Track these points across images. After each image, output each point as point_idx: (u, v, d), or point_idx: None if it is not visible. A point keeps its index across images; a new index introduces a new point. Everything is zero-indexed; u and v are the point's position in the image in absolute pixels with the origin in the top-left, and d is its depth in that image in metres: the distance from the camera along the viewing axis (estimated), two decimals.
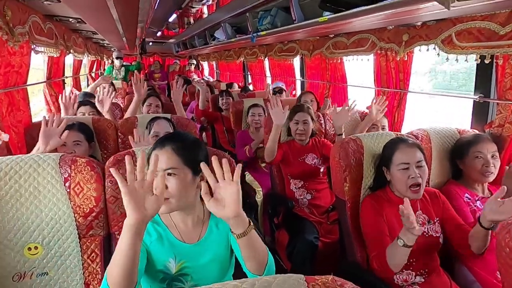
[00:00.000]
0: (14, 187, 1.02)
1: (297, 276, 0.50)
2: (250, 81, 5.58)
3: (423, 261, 1.26)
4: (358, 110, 2.33)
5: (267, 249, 0.89)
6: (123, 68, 6.00)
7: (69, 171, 1.07)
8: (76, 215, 1.07)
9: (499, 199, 1.09)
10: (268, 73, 4.73)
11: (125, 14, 2.44)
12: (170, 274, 0.97)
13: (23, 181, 1.03)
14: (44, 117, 1.44)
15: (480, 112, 1.75)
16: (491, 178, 1.42)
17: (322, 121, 2.28)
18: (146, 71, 8.17)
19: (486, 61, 1.53)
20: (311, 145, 2.06)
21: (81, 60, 4.05)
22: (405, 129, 2.27)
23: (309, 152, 2.04)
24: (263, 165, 2.58)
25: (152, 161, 0.79)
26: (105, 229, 1.13)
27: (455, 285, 1.30)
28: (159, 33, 8.21)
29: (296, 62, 3.77)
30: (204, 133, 4.19)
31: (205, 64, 9.05)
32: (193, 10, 6.02)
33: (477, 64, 1.68)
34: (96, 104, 2.17)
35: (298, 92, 3.74)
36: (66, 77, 3.37)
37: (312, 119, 2.04)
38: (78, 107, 2.18)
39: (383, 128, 2.08)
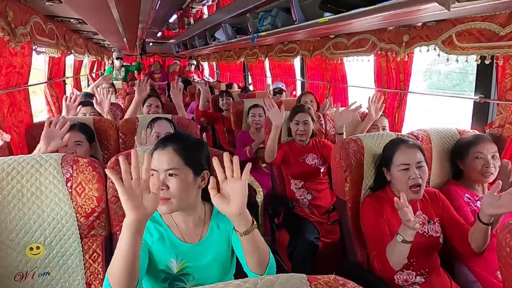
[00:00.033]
0: (16, 187, 1.03)
1: (300, 275, 0.50)
2: (250, 81, 5.59)
3: (423, 261, 1.27)
4: (359, 110, 2.34)
5: (269, 249, 0.89)
6: (123, 69, 6.01)
7: (71, 171, 1.07)
8: (78, 215, 1.07)
9: (495, 193, 1.11)
10: (268, 74, 4.74)
11: (126, 14, 2.44)
12: (171, 274, 0.97)
13: (25, 181, 1.04)
14: (48, 118, 1.44)
15: (480, 112, 1.75)
16: (491, 178, 1.42)
17: (323, 122, 2.28)
18: (146, 72, 8.18)
19: (487, 62, 1.54)
20: (311, 145, 2.07)
21: (82, 61, 4.05)
22: (405, 130, 2.27)
23: (310, 152, 2.04)
24: (263, 165, 2.59)
25: (145, 159, 0.79)
26: (107, 229, 1.13)
27: (456, 285, 1.30)
28: (159, 34, 8.23)
29: (297, 62, 3.77)
30: (204, 134, 4.19)
31: (205, 65, 9.06)
32: (193, 11, 6.04)
33: (478, 65, 1.69)
34: (95, 106, 2.18)
35: (299, 92, 3.74)
36: (67, 78, 3.38)
37: (313, 119, 2.04)
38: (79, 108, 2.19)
39: (383, 129, 2.08)
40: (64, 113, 2.16)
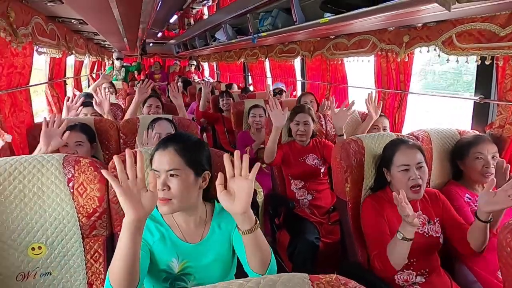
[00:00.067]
0: (18, 188, 1.03)
1: (302, 275, 0.50)
2: (250, 82, 5.59)
3: (423, 261, 1.27)
4: (359, 111, 2.34)
5: (271, 249, 0.90)
6: (123, 69, 6.02)
7: (73, 172, 1.07)
8: (79, 215, 1.08)
9: (491, 191, 1.13)
10: (268, 74, 4.74)
11: (127, 15, 2.45)
12: (173, 273, 0.98)
13: (27, 181, 1.04)
14: (45, 118, 1.44)
15: (480, 113, 1.76)
16: (491, 178, 1.42)
17: (323, 122, 2.29)
18: (146, 72, 8.19)
19: (487, 63, 1.54)
20: (311, 145, 2.07)
21: (82, 61, 4.06)
22: (405, 130, 2.28)
23: (310, 152, 2.04)
24: (264, 165, 2.59)
25: (137, 158, 0.80)
26: (108, 229, 1.13)
27: (456, 285, 1.30)
28: (159, 34, 8.23)
29: (297, 63, 3.78)
30: (204, 134, 4.20)
31: (205, 65, 9.06)
32: (194, 11, 6.05)
33: (478, 66, 1.69)
34: (95, 107, 2.18)
35: (299, 93, 3.75)
36: (68, 78, 3.38)
37: (313, 120, 2.04)
38: (80, 108, 2.19)
39: (384, 129, 2.09)
40: (64, 113, 2.16)
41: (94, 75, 5.50)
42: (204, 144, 1.06)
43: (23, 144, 1.73)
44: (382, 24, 1.98)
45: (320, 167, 2.03)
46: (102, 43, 4.55)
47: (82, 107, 2.16)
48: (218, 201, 1.05)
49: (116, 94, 3.83)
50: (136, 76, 6.74)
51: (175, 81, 6.14)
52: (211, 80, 7.37)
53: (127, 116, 2.21)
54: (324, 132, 2.28)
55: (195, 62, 8.09)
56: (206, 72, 9.05)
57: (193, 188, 0.96)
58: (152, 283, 1.00)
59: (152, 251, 0.97)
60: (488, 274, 1.29)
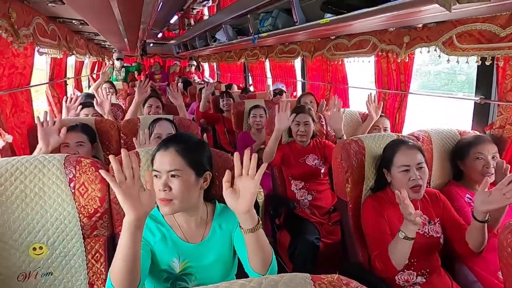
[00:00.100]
0: (19, 188, 1.03)
1: (304, 275, 0.50)
2: (250, 82, 5.60)
3: (424, 261, 1.27)
4: (359, 111, 2.34)
5: (272, 249, 0.90)
6: (123, 69, 6.03)
7: (74, 172, 1.08)
8: (80, 215, 1.08)
9: (486, 190, 1.14)
10: (269, 74, 4.74)
11: (127, 16, 2.45)
12: (174, 273, 0.98)
13: (29, 181, 1.04)
14: (38, 117, 1.44)
15: (481, 113, 1.76)
16: (492, 179, 1.42)
17: (324, 122, 2.29)
18: (146, 72, 8.19)
19: (487, 63, 1.54)
20: (312, 146, 2.07)
21: (83, 61, 4.06)
22: (405, 130, 2.28)
23: (310, 153, 2.04)
24: None
25: (132, 158, 0.80)
26: (110, 229, 1.14)
27: (456, 285, 1.30)
28: (160, 35, 8.24)
29: (297, 63, 3.78)
30: (205, 134, 4.20)
31: (205, 65, 9.06)
32: (194, 12, 6.06)
33: (478, 66, 1.69)
34: (96, 107, 2.18)
35: (299, 93, 3.75)
36: (68, 78, 3.39)
37: (313, 120, 2.04)
38: (81, 109, 2.19)
39: (385, 129, 2.09)
40: (64, 114, 2.16)
41: (94, 75, 5.50)
42: (205, 144, 1.07)
43: (24, 144, 1.73)
44: (382, 25, 1.98)
45: (321, 168, 2.03)
46: (103, 43, 4.55)
47: (81, 106, 2.17)
48: (219, 202, 1.05)
49: (116, 94, 3.83)
50: (136, 76, 6.74)
51: (175, 82, 6.15)
52: (211, 81, 7.37)
53: (127, 117, 2.21)
54: (325, 132, 2.28)
55: (195, 63, 8.10)
56: (206, 73, 9.05)
57: (194, 189, 0.96)
58: (153, 283, 1.00)
59: (153, 251, 0.97)
60: (488, 274, 1.29)
